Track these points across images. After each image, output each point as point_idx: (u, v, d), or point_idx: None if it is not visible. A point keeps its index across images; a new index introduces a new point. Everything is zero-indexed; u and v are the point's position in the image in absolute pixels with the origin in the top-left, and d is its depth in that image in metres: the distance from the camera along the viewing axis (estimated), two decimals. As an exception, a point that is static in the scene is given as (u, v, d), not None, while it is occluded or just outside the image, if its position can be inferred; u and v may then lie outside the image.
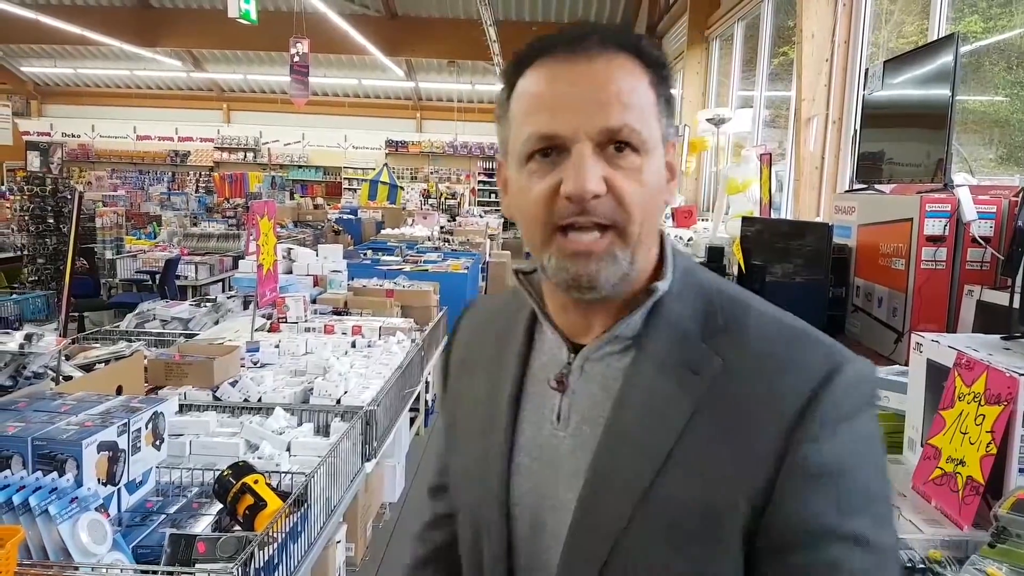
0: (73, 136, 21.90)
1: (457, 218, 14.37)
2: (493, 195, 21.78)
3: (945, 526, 1.54)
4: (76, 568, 1.48)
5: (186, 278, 7.79)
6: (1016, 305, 1.96)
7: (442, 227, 11.79)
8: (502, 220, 15.62)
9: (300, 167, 22.07)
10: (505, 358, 0.95)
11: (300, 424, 2.55)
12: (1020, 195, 2.42)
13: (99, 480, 1.69)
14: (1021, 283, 1.95)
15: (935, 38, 3.82)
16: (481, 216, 14.92)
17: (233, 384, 2.77)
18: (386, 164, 18.15)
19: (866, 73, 3.50)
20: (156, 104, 22.11)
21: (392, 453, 3.25)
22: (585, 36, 0.81)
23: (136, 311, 4.25)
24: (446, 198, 17.39)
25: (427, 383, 4.39)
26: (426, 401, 4.77)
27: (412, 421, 4.33)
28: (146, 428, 1.84)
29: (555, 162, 0.80)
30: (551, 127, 0.79)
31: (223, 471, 1.87)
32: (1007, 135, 4.15)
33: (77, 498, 1.54)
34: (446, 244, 10.00)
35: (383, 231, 11.55)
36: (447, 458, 1.06)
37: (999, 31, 4.03)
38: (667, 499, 0.79)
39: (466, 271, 7.64)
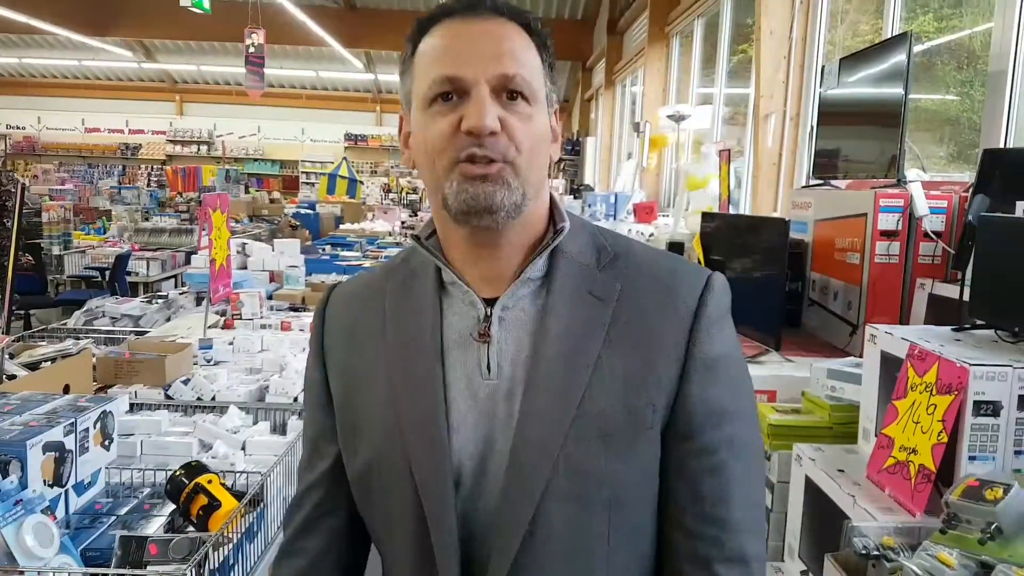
0: (18, 128, 21.28)
1: (419, 213, 14.28)
2: (453, 190, 21.70)
3: (898, 513, 1.57)
4: (21, 572, 1.43)
5: (137, 274, 7.61)
6: (966, 298, 2.01)
7: (403, 222, 11.71)
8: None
9: (256, 160, 21.75)
10: (411, 322, 0.99)
11: (256, 423, 2.51)
12: (969, 191, 2.47)
13: (45, 482, 1.63)
14: (971, 277, 2.00)
15: (889, 36, 3.89)
16: (441, 211, 14.84)
17: (185, 382, 2.71)
18: (345, 158, 17.96)
19: (823, 71, 3.55)
20: (106, 96, 21.56)
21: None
22: (480, 2, 0.93)
23: (84, 308, 4.13)
24: (407, 193, 17.30)
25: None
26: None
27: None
28: (94, 428, 1.79)
29: (455, 106, 0.90)
30: (454, 70, 0.89)
31: (175, 471, 1.82)
32: (958, 133, 4.25)
33: (21, 500, 1.48)
34: (406, 239, 9.92)
35: (342, 226, 11.43)
36: (343, 439, 1.03)
37: (951, 31, 4.12)
38: (596, 407, 0.91)
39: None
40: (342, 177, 15.80)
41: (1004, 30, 2.95)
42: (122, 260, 7.46)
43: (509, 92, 0.90)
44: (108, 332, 3.66)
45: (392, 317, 1.00)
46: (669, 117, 7.19)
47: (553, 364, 0.92)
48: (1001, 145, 2.96)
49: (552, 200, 1.01)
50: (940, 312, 2.39)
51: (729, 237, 3.35)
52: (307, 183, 20.91)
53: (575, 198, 9.62)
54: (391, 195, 16.90)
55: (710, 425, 0.94)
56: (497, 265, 0.96)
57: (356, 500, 1.03)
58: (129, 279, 7.50)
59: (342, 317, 1.07)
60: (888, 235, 2.60)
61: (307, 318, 4.09)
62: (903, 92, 2.68)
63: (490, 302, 0.96)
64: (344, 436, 1.03)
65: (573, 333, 0.94)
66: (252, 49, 12.44)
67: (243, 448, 2.30)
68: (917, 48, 4.13)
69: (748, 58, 6.78)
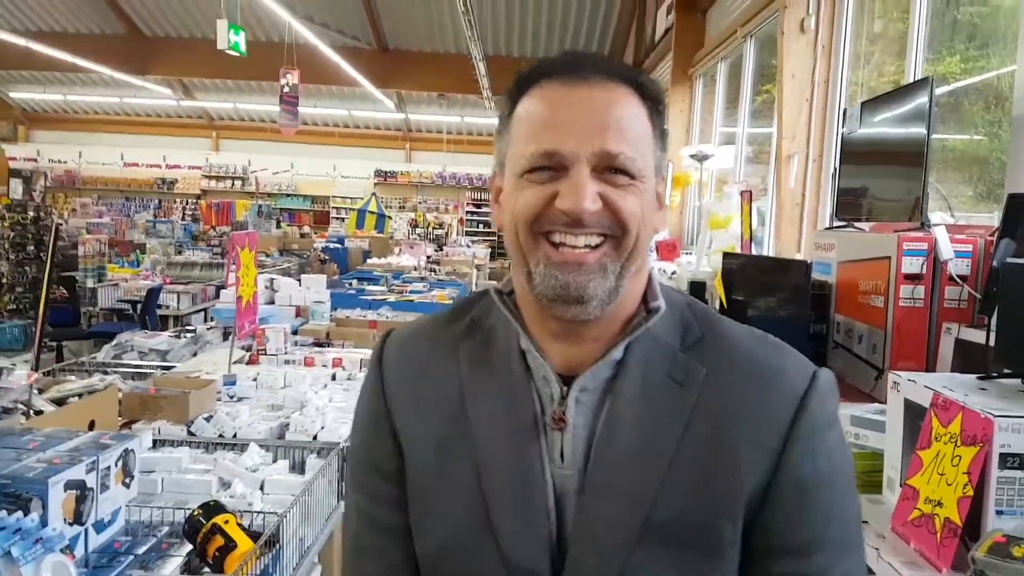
0: (60, 162, 21.85)
1: (444, 248, 14.39)
2: (482, 225, 21.88)
3: (924, 568, 1.53)
4: (37, 611, 1.44)
5: (168, 307, 7.71)
6: (992, 344, 1.97)
7: (429, 257, 11.79)
8: (489, 251, 15.65)
9: (288, 196, 22.10)
10: (498, 395, 0.87)
11: (275, 460, 2.52)
12: (995, 235, 2.44)
13: (65, 520, 1.65)
14: (997, 322, 1.96)
15: (911, 80, 3.88)
16: (468, 246, 14.95)
17: (208, 419, 2.73)
18: (374, 193, 18.21)
19: (844, 113, 3.55)
20: (145, 131, 22.13)
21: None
22: (585, 62, 0.85)
23: (114, 342, 4.20)
24: (434, 228, 17.44)
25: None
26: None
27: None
28: (116, 466, 1.81)
29: (552, 178, 0.82)
30: (554, 145, 0.81)
31: (193, 511, 1.83)
32: (986, 173, 4.21)
33: (41, 539, 1.50)
34: (432, 274, 9.99)
35: (369, 260, 11.54)
36: (411, 516, 0.91)
37: (977, 72, 4.10)
38: (668, 516, 0.80)
39: (451, 301, 7.63)
40: (371, 212, 16.01)
41: (1029, 73, 2.93)
42: (153, 293, 7.58)
43: (612, 169, 0.82)
44: (136, 367, 3.72)
45: (472, 383, 0.89)
46: (692, 156, 7.20)
47: (621, 459, 0.82)
48: (1028, 188, 2.92)
49: (649, 276, 0.91)
50: (967, 357, 2.35)
51: (751, 276, 3.34)
52: (337, 218, 21.19)
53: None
54: (418, 230, 17.04)
55: (795, 554, 0.82)
56: (580, 347, 0.86)
57: None
58: (160, 312, 7.61)
59: (407, 378, 0.94)
60: (912, 279, 2.57)
61: (331, 353, 4.12)
62: (926, 133, 2.67)
63: (566, 380, 0.85)
64: (417, 506, 0.90)
65: (646, 423, 0.83)
66: (287, 89, 12.71)
67: (261, 487, 2.31)
68: (943, 89, 4.12)
69: (771, 97, 6.80)
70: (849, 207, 3.34)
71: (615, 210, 0.81)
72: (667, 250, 6.85)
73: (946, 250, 2.49)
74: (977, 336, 2.31)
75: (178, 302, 7.77)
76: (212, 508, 1.82)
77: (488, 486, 0.84)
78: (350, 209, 18.84)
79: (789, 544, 0.82)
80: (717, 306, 3.90)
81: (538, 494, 0.83)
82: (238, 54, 9.43)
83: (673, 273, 5.72)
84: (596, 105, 0.82)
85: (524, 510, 0.83)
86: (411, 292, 7.92)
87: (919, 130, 2.73)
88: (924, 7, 4.10)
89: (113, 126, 22.10)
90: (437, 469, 0.88)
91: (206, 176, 22.16)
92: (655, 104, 0.86)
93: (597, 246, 0.82)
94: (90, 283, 8.07)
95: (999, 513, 1.49)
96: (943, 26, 4.28)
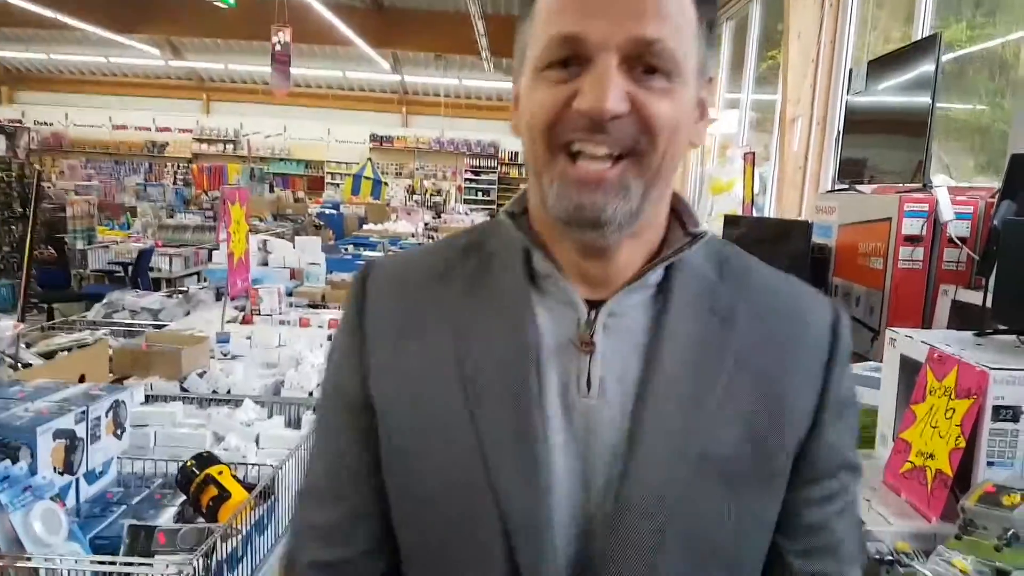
0: (46, 124, 21.52)
1: (442, 215, 14.31)
2: (480, 192, 21.75)
3: (914, 518, 1.56)
4: (29, 558, 1.43)
5: (160, 270, 7.66)
6: (989, 304, 1.97)
7: (427, 224, 11.73)
8: (488, 218, 15.53)
9: (281, 160, 21.90)
10: (494, 317, 0.80)
11: (270, 416, 2.51)
12: (996, 196, 2.43)
13: (55, 469, 1.64)
14: (995, 280, 1.96)
15: (917, 39, 3.83)
16: (467, 214, 14.86)
17: (201, 375, 2.72)
18: (370, 159, 18.04)
19: (850, 74, 3.51)
20: (133, 93, 21.76)
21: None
22: None
23: (105, 300, 4.17)
24: (431, 195, 17.33)
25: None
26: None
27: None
28: (106, 417, 1.79)
29: (575, 75, 0.71)
30: (576, 27, 0.70)
31: (187, 461, 1.82)
32: (988, 143, 4.19)
33: (31, 487, 1.49)
34: (429, 241, 9.94)
35: (365, 227, 11.48)
36: (390, 462, 0.82)
37: (984, 39, 4.06)
38: (722, 450, 0.76)
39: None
40: (367, 178, 15.87)
41: (1035, 34, 2.89)
42: (145, 255, 7.52)
43: (646, 64, 0.71)
44: (127, 325, 3.69)
45: (466, 309, 0.81)
46: (695, 121, 7.16)
47: (672, 393, 0.77)
48: (1030, 150, 2.90)
49: (676, 197, 0.83)
50: (963, 318, 2.36)
51: (753, 240, 3.32)
52: (332, 183, 21.01)
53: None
54: (415, 197, 16.93)
55: (830, 474, 0.83)
56: (604, 268, 0.79)
57: (406, 540, 0.84)
58: (152, 275, 7.55)
59: (390, 306, 0.85)
60: (912, 240, 2.57)
61: (327, 315, 4.10)
62: (930, 100, 2.65)
63: (593, 305, 0.78)
64: (392, 458, 0.82)
65: (694, 356, 0.78)
66: (279, 47, 12.54)
67: (256, 441, 2.31)
68: (948, 56, 4.07)
69: (776, 65, 6.74)
70: (852, 170, 3.33)
71: (645, 117, 0.71)
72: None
73: (947, 211, 2.49)
74: (974, 298, 2.32)
75: (170, 265, 7.71)
76: (206, 459, 1.81)
77: (483, 421, 0.77)
78: (345, 174, 18.69)
79: (828, 465, 0.83)
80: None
81: (538, 431, 0.76)
82: (228, 7, 9.27)
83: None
84: None
85: (520, 446, 0.76)
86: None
87: (924, 94, 2.71)
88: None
89: (100, 87, 21.73)
90: (420, 405, 0.80)
91: (197, 139, 21.90)
92: None
93: (619, 159, 0.72)
94: (80, 245, 7.99)
95: (990, 464, 1.51)
96: (950, -8, 4.24)
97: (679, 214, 0.83)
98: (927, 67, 2.70)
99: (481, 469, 0.75)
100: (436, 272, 0.85)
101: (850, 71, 3.52)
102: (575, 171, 0.72)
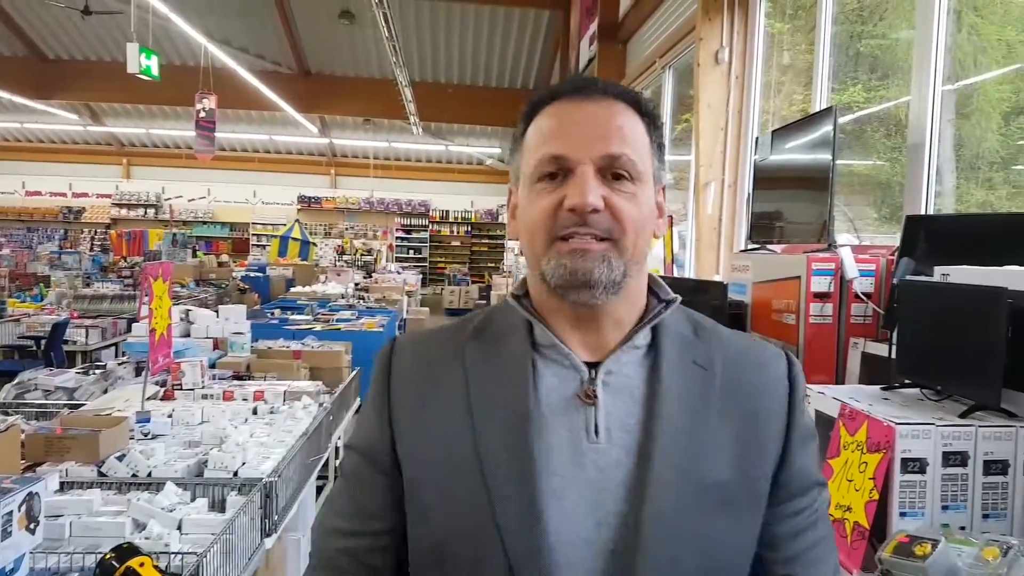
0: (-46, 192, 20.65)
1: (373, 274, 14.22)
2: (411, 251, 21.74)
3: None
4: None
5: (75, 343, 7.32)
6: (894, 356, 2.07)
7: (357, 284, 11.63)
8: (421, 276, 15.51)
9: (205, 223, 21.50)
10: (502, 386, 0.95)
11: (193, 499, 2.43)
12: (895, 254, 2.57)
13: (-38, 571, 1.56)
14: (897, 336, 2.07)
15: (817, 108, 4.08)
16: (399, 272, 14.80)
17: (120, 458, 2.62)
18: (297, 220, 17.89)
19: (756, 141, 3.70)
20: (48, 158, 21.15)
21: (296, 527, 3.11)
22: (591, 83, 0.96)
23: (15, 381, 3.98)
24: (362, 254, 17.23)
25: (336, 449, 4.27)
26: (335, 468, 4.63)
27: (320, 490, 4.20)
28: (19, 511, 1.71)
29: (560, 184, 0.92)
30: (560, 150, 0.92)
31: (105, 554, 1.75)
32: (889, 196, 4.43)
33: (-65, 593, 1.41)
34: (361, 302, 9.83)
35: (293, 289, 11.30)
36: (413, 507, 0.97)
37: (878, 101, 4.33)
38: (717, 478, 0.92)
39: (382, 329, 7.49)
40: (294, 239, 15.71)
41: (920, 103, 3.12)
42: (59, 328, 7.19)
43: (614, 172, 0.92)
44: (40, 406, 3.53)
45: (477, 380, 0.96)
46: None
47: (674, 432, 0.92)
48: (922, 211, 3.10)
49: (651, 276, 1.02)
50: (873, 370, 2.46)
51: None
52: (258, 245, 20.69)
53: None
54: (345, 257, 16.80)
55: (802, 492, 0.99)
56: (597, 335, 0.96)
57: (417, 573, 0.97)
58: (67, 348, 7.20)
59: (413, 374, 1.01)
60: (821, 296, 2.68)
61: (252, 387, 4.01)
62: (830, 160, 2.81)
63: (592, 366, 0.95)
64: (413, 505, 0.96)
65: (686, 401, 0.94)
66: (203, 114, 12.44)
67: (179, 527, 2.23)
68: (847, 117, 4.34)
69: (691, 126, 7.03)
70: (763, 230, 3.47)
71: (616, 212, 0.91)
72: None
73: (851, 269, 2.61)
74: (881, 350, 2.42)
75: (87, 337, 7.40)
76: (126, 551, 1.74)
77: (490, 474, 0.90)
78: (272, 236, 18.43)
79: (798, 486, 0.99)
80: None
81: (538, 481, 0.89)
82: (150, 79, 9.18)
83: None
84: (599, 116, 0.94)
85: (522, 499, 0.89)
86: (338, 320, 7.76)
87: (825, 156, 2.86)
88: (828, 40, 4.33)
89: (13, 152, 21.05)
90: (438, 459, 0.94)
91: (116, 204, 21.34)
92: (652, 120, 0.98)
93: (601, 240, 0.91)
94: (-11, 319, 7.63)
95: (903, 515, 1.56)
96: (847, 58, 4.53)
97: (652, 288, 1.02)
98: (826, 133, 2.87)
99: (489, 515, 0.89)
100: (450, 347, 1.01)
101: (756, 139, 3.71)
102: (568, 246, 0.91)
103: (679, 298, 1.00)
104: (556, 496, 0.89)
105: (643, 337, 0.97)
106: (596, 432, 0.92)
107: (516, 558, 0.88)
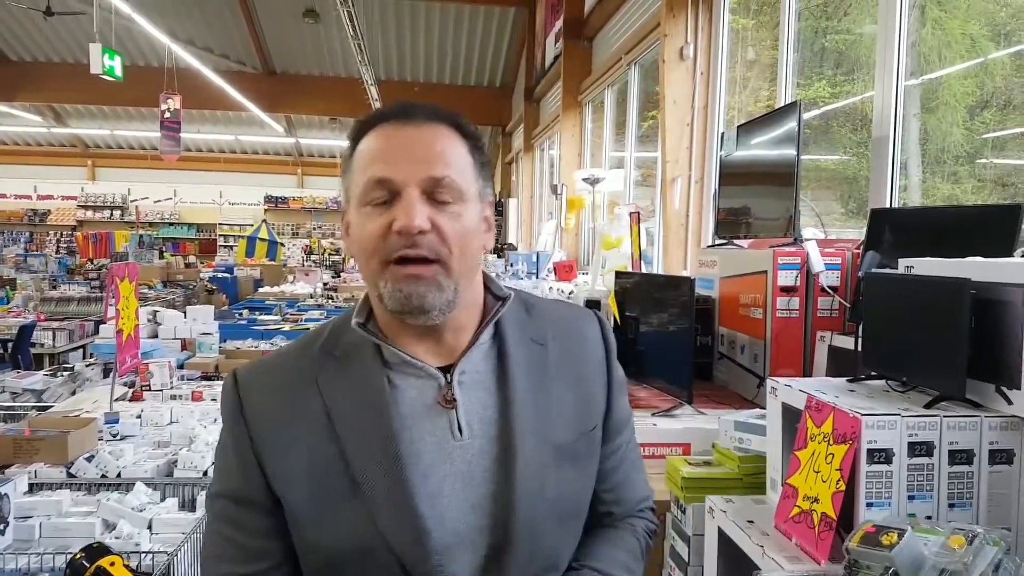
0: (-84, 194, 20.19)
1: (342, 274, 14.13)
2: (378, 251, 21.60)
3: (805, 562, 1.59)
4: None
5: (43, 345, 7.23)
6: (860, 349, 2.11)
7: (325, 284, 11.56)
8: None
9: (171, 225, 21.24)
10: (362, 405, 0.99)
11: (163, 499, 2.41)
12: (860, 248, 2.61)
13: (-72, 574, 1.54)
14: (864, 328, 2.10)
15: (782, 104, 4.13)
16: (367, 271, 14.69)
17: (90, 459, 2.59)
18: (264, 220, 17.73)
19: (722, 137, 3.73)
20: (12, 161, 20.76)
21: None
22: (414, 108, 1.01)
23: (-19, 384, 3.92)
24: (330, 254, 17.13)
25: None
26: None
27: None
28: (-14, 512, 1.69)
29: (388, 207, 0.96)
30: (386, 173, 0.96)
31: (75, 554, 1.73)
32: (856, 191, 4.50)
33: (-100, 596, 1.39)
34: (329, 301, 9.78)
35: (261, 289, 11.22)
36: (300, 535, 1.00)
37: (844, 96, 4.39)
38: (566, 438, 1.05)
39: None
40: (261, 239, 15.56)
41: (884, 98, 3.17)
42: (26, 331, 7.10)
43: (438, 194, 0.97)
44: (8, 408, 3.48)
45: (336, 403, 1.00)
46: (584, 180, 7.37)
47: (525, 409, 1.02)
48: (887, 204, 3.15)
49: (485, 275, 1.10)
50: (840, 363, 2.49)
51: (642, 294, 3.44)
52: (225, 246, 20.48)
53: (499, 257, 9.72)
54: (313, 256, 16.67)
55: (619, 430, 1.17)
56: (443, 342, 1.03)
57: None
58: (33, 351, 7.12)
59: (266, 406, 1.03)
60: (787, 291, 2.72)
61: (220, 387, 3.98)
62: (795, 155, 2.84)
63: (445, 370, 1.02)
64: (298, 533, 1.00)
65: (532, 377, 1.05)
66: (168, 114, 12.28)
67: (149, 527, 2.21)
68: (813, 113, 4.39)
69: (657, 123, 7.08)
70: (729, 225, 3.50)
71: (443, 233, 0.96)
72: (564, 271, 6.99)
73: (817, 263, 2.65)
74: (848, 343, 2.45)
75: (54, 339, 7.30)
76: (96, 550, 1.73)
77: (368, 490, 0.96)
78: (239, 237, 18.25)
79: (617, 427, 1.16)
80: (611, 323, 4.00)
81: (410, 484, 0.96)
82: (114, 79, 9.04)
83: (571, 293, 5.83)
84: (422, 140, 0.99)
85: (398, 503, 0.95)
86: (307, 320, 7.74)
87: (790, 151, 2.89)
88: (792, 35, 4.38)
89: (-25, 155, 20.66)
90: (316, 487, 0.98)
91: (82, 206, 21.02)
92: (474, 141, 1.04)
93: (431, 263, 0.96)
94: (-47, 323, 7.48)
95: (869, 505, 1.56)
96: (812, 53, 4.58)
97: (488, 287, 1.10)
98: (790, 128, 2.90)
99: (372, 526, 0.95)
100: (299, 374, 1.04)
101: (722, 134, 3.75)
102: (401, 270, 0.96)
103: (512, 294, 1.10)
104: (432, 494, 0.97)
105: (487, 334, 1.06)
106: (460, 431, 1.00)
107: (404, 557, 0.94)
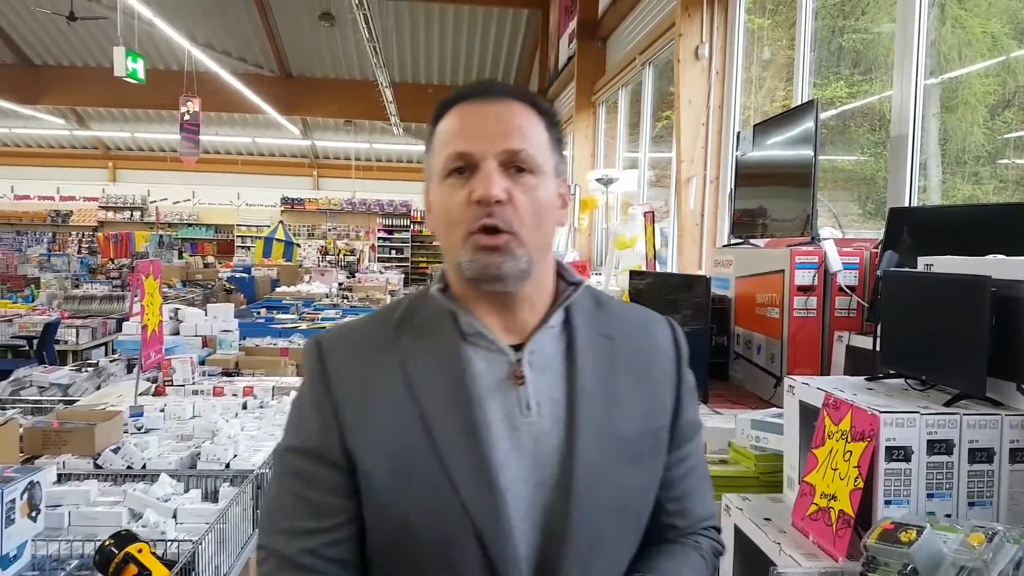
0: (-58, 196, 20.45)
1: (356, 274, 14.19)
2: (394, 251, 21.68)
3: (822, 559, 1.59)
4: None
5: (67, 343, 7.33)
6: (878, 348, 2.10)
7: (340, 284, 11.62)
8: (403, 276, 15.54)
9: (190, 225, 21.39)
10: (440, 375, 1.02)
11: (187, 490, 2.45)
12: (879, 247, 2.61)
13: (-35, 558, 1.58)
14: (881, 327, 2.10)
15: (797, 104, 4.11)
16: (381, 272, 14.78)
17: (116, 451, 2.64)
18: (281, 221, 17.81)
19: (738, 136, 3.73)
20: (37, 163, 21.02)
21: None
22: (492, 86, 1.06)
23: (11, 378, 3.99)
24: (345, 255, 17.21)
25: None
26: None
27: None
28: (21, 499, 1.74)
29: (467, 179, 1.00)
30: (465, 147, 1.00)
31: (104, 541, 1.77)
32: (873, 191, 4.46)
33: (-61, 578, 1.44)
34: (345, 301, 9.84)
35: (278, 289, 11.28)
36: (373, 499, 1.00)
37: (862, 96, 4.36)
38: (630, 433, 1.06)
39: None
40: (278, 240, 15.65)
41: (903, 96, 3.16)
42: (50, 328, 7.20)
43: (516, 167, 1.00)
44: (35, 402, 3.54)
45: (415, 370, 1.02)
46: (598, 180, 7.38)
47: (591, 399, 1.04)
48: (906, 204, 3.13)
49: (557, 262, 1.12)
50: (858, 363, 2.48)
51: (656, 294, 3.45)
52: (242, 247, 20.60)
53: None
54: (328, 257, 16.76)
55: (689, 437, 1.16)
56: (515, 318, 1.06)
57: (381, 559, 1.02)
58: (58, 348, 7.23)
59: (349, 369, 1.05)
60: (805, 290, 2.71)
61: (241, 382, 4.03)
62: (812, 155, 2.83)
63: (516, 348, 1.04)
64: (371, 496, 1.00)
65: (599, 370, 1.06)
66: (187, 117, 12.39)
67: (174, 516, 2.25)
68: (830, 112, 4.37)
69: (671, 123, 7.07)
70: (745, 225, 3.49)
71: (518, 204, 1.00)
72: (578, 271, 7.00)
73: (835, 262, 2.64)
74: (866, 342, 2.44)
75: (77, 336, 7.40)
76: (124, 537, 1.77)
77: (447, 457, 0.98)
78: (256, 237, 18.34)
79: (687, 433, 1.15)
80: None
81: (487, 450, 0.98)
82: (137, 82, 9.15)
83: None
84: (500, 115, 1.02)
85: (477, 467, 0.98)
86: (323, 319, 7.79)
87: (807, 151, 2.89)
88: (809, 34, 4.36)
89: (2, 157, 20.89)
90: (398, 454, 0.99)
91: (103, 207, 21.21)
92: (550, 118, 1.07)
93: (506, 233, 0.99)
94: (-21, 320, 7.60)
95: (887, 503, 1.54)
96: (829, 53, 4.54)
97: (560, 272, 1.12)
98: (807, 128, 2.89)
99: (449, 486, 0.97)
100: (379, 341, 1.06)
101: (738, 134, 3.74)
102: (479, 240, 0.99)
103: (584, 280, 1.12)
104: (501, 467, 0.99)
105: (557, 317, 1.07)
106: (528, 407, 1.02)
107: (484, 527, 0.96)
